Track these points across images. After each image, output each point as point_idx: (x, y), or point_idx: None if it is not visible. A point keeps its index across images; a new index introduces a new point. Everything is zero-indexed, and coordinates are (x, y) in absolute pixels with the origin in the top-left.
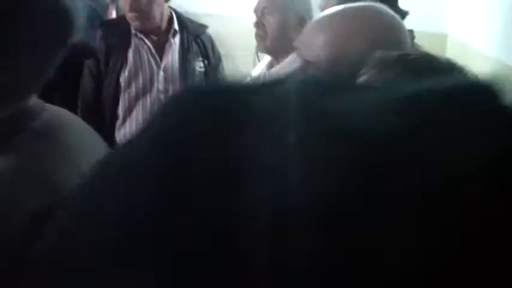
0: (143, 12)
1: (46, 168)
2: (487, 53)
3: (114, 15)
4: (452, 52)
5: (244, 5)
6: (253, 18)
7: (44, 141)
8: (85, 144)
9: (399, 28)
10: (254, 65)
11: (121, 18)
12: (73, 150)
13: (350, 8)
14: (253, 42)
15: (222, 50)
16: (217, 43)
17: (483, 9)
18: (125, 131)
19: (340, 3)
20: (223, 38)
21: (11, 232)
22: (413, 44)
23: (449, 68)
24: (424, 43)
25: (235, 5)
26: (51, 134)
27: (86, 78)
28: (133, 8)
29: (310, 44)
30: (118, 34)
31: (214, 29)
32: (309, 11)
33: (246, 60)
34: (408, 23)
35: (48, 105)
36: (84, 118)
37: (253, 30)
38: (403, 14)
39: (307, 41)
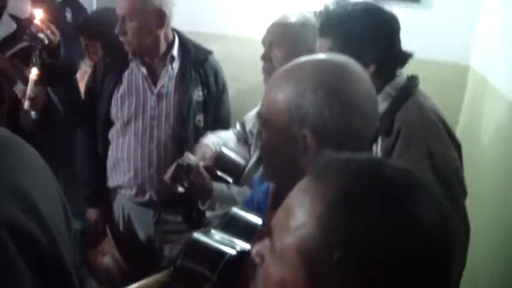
0: (130, 38)
1: (11, 173)
2: (505, 92)
3: None
4: (472, 86)
5: (257, 27)
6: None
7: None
8: (32, 159)
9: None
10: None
11: None
12: (27, 163)
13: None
14: None
15: (233, 72)
16: (229, 64)
17: (507, 45)
18: (117, 155)
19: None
20: (236, 59)
21: None
22: (415, 87)
23: (394, 174)
24: (446, 74)
25: (248, 26)
26: (7, 149)
27: (84, 98)
28: (121, 32)
29: (263, 99)
30: (117, 55)
31: (227, 50)
32: None
33: (258, 83)
34: (431, 53)
35: None
36: (81, 139)
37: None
38: (406, 56)
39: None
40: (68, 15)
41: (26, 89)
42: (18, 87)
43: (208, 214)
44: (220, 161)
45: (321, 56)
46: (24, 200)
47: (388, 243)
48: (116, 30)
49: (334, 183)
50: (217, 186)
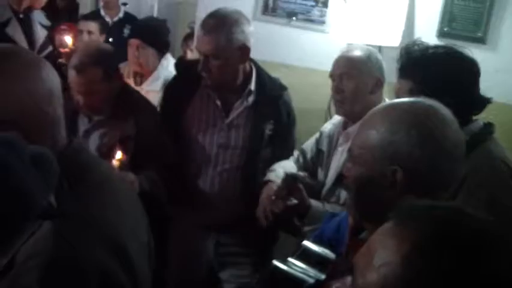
0: (214, 74)
1: (105, 216)
2: None
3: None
4: None
5: (318, 59)
6: (325, 71)
7: (99, 191)
8: (125, 192)
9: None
10: (325, 119)
11: (196, 61)
12: (120, 198)
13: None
14: (324, 95)
15: (294, 102)
16: (291, 93)
17: None
18: (182, 180)
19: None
20: (298, 89)
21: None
22: (489, 134)
23: (472, 226)
24: (507, 116)
25: (311, 57)
26: (106, 185)
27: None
28: (205, 69)
29: (356, 135)
30: (189, 75)
31: (289, 80)
32: (382, 71)
33: (318, 113)
34: (496, 94)
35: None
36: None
37: (324, 83)
38: (484, 102)
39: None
40: (127, 31)
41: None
42: None
43: (305, 228)
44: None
45: (414, 99)
46: (120, 249)
47: None
48: (199, 67)
49: (418, 227)
50: (313, 202)
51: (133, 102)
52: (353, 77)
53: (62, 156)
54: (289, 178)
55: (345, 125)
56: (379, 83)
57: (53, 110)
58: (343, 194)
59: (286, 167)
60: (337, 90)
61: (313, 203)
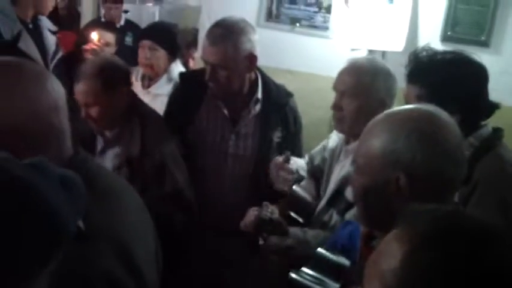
0: (221, 84)
1: (111, 224)
2: None
3: (191, 64)
4: None
5: (323, 64)
6: (329, 77)
7: (106, 200)
8: (132, 200)
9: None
10: (330, 125)
11: (200, 71)
12: (126, 206)
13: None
14: (328, 100)
15: (299, 107)
16: (295, 99)
17: None
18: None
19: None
20: (302, 94)
21: None
22: (499, 139)
23: (471, 226)
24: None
25: (315, 63)
26: (112, 194)
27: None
28: (211, 78)
29: (359, 146)
30: (194, 87)
31: (294, 86)
32: (390, 92)
33: (322, 119)
34: (500, 98)
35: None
36: None
37: (329, 88)
38: (493, 107)
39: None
40: (128, 39)
41: None
42: None
43: None
44: (292, 200)
45: (413, 105)
46: (127, 257)
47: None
48: (206, 77)
49: (418, 230)
50: (292, 230)
51: (142, 120)
52: (355, 97)
53: (67, 167)
54: (260, 222)
55: (347, 140)
56: (383, 104)
57: (58, 121)
58: (335, 217)
59: (298, 163)
60: (335, 107)
61: (293, 232)
